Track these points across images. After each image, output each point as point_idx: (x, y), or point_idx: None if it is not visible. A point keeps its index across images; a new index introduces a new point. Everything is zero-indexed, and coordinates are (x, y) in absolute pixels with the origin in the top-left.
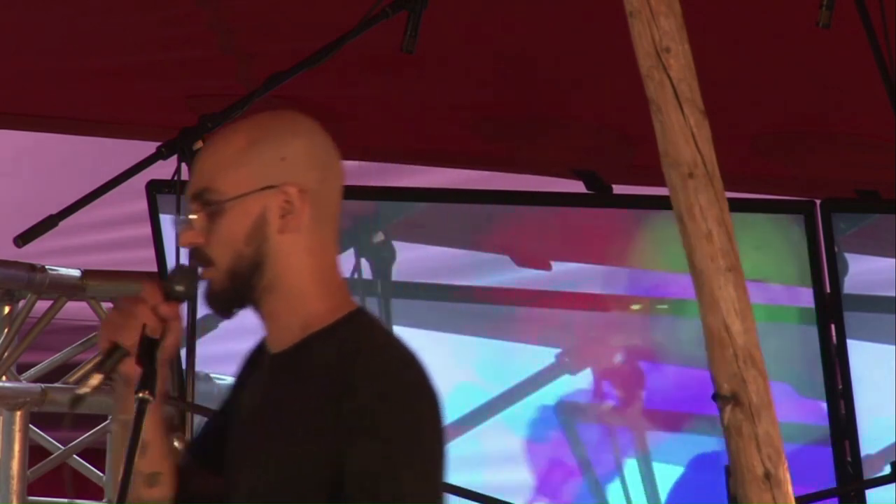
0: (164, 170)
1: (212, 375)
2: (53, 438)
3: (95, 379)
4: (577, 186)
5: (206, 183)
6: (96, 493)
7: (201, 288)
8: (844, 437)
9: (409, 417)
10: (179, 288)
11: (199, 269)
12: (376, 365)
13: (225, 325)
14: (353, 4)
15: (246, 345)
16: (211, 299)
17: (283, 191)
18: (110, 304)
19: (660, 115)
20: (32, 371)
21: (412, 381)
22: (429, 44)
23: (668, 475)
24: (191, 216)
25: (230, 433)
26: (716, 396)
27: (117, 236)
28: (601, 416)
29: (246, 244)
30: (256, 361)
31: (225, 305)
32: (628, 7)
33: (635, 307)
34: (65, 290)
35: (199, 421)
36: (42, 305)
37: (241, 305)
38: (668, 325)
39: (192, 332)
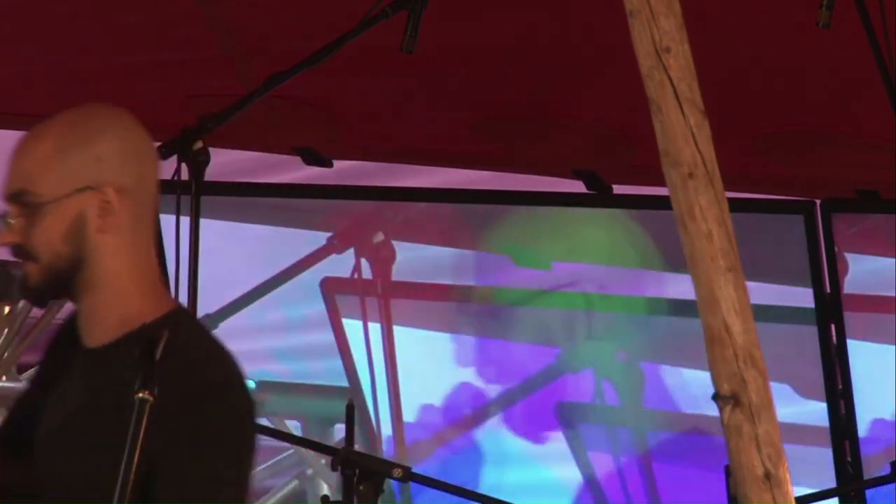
0: (163, 170)
1: None
2: None
3: None
4: (577, 186)
5: (22, 184)
6: None
7: (18, 282)
8: (844, 437)
9: (221, 422)
10: None
11: (14, 267)
12: (190, 366)
13: (221, 325)
14: (353, 4)
15: (243, 346)
16: (26, 291)
17: (101, 192)
18: None
19: (660, 115)
20: (32, 371)
21: (226, 384)
22: (429, 44)
23: (668, 475)
24: (10, 220)
25: (40, 424)
26: (716, 396)
27: None
28: (601, 416)
29: (64, 244)
30: (67, 350)
31: (40, 298)
32: (628, 7)
33: (633, 307)
34: None
35: None
36: None
37: (56, 298)
38: (668, 325)
39: None
